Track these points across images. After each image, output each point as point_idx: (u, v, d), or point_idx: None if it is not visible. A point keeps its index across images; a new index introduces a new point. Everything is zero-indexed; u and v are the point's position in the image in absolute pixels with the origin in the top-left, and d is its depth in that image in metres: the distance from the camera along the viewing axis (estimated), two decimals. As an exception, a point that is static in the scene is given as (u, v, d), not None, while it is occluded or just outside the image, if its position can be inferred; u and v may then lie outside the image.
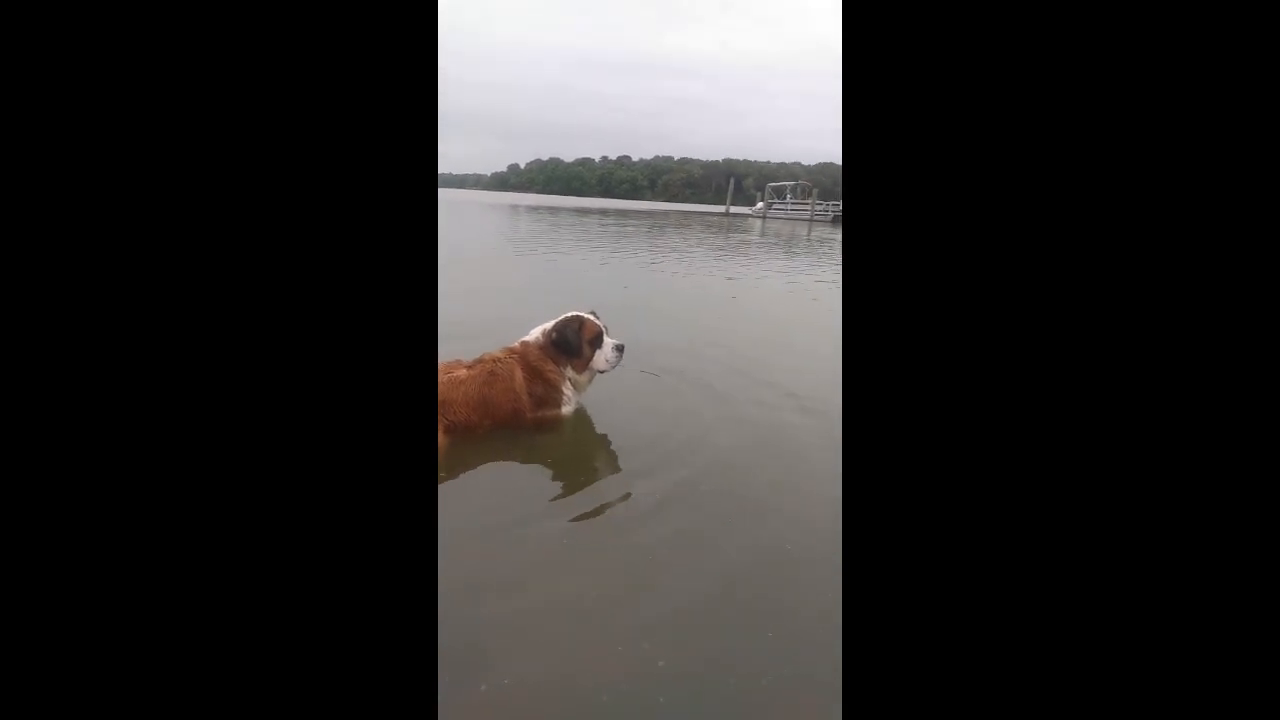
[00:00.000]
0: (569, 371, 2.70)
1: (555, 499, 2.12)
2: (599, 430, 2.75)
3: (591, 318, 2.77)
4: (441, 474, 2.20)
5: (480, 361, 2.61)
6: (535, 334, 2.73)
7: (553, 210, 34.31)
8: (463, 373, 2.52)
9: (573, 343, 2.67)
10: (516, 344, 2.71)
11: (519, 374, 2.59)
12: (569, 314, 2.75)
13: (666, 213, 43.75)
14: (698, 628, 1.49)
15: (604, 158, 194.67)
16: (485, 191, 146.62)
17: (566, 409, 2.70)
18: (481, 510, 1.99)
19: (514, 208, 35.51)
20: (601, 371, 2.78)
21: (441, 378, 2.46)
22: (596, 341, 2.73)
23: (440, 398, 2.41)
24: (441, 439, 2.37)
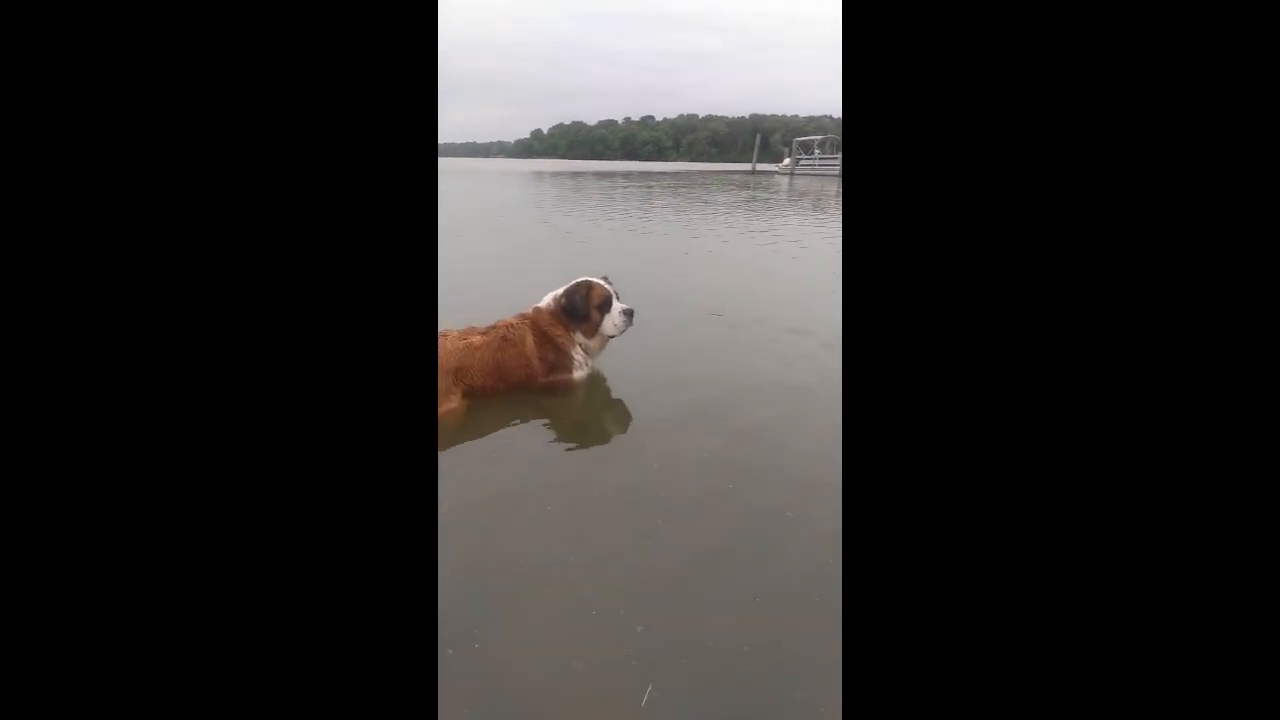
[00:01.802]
0: (579, 337, 2.76)
1: (548, 463, 2.20)
2: (614, 394, 2.82)
3: (601, 282, 2.80)
4: (459, 437, 2.31)
5: (494, 328, 2.68)
6: (547, 300, 2.79)
7: (575, 175, 33.96)
8: (477, 339, 2.61)
9: (580, 308, 2.72)
10: (529, 310, 2.78)
11: (530, 339, 2.67)
12: (578, 279, 2.80)
13: (690, 173, 42.79)
14: (681, 594, 1.52)
15: (627, 119, 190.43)
16: (509, 159, 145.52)
17: (578, 374, 2.77)
18: (480, 476, 2.07)
19: (538, 174, 35.27)
20: (611, 336, 2.83)
21: (458, 344, 2.55)
22: (605, 306, 2.77)
23: (456, 364, 2.50)
24: (460, 403, 2.48)
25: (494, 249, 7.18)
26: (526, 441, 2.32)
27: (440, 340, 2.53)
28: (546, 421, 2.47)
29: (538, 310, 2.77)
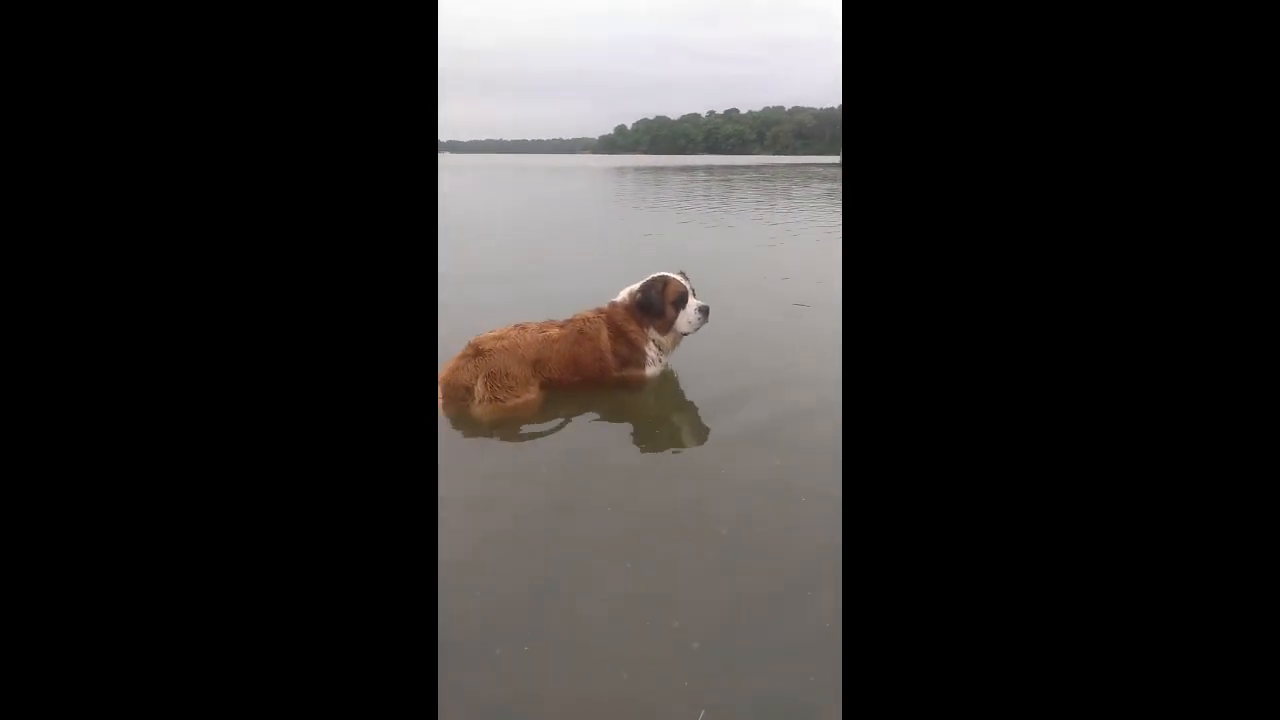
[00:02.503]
0: (652, 333, 2.78)
1: (611, 470, 2.22)
2: (687, 394, 2.82)
3: (677, 278, 2.80)
4: (529, 432, 2.39)
5: (571, 321, 2.76)
6: (623, 295, 2.83)
7: (655, 170, 34.07)
8: (555, 332, 2.69)
9: (656, 304, 2.73)
10: (606, 305, 2.83)
11: (605, 334, 2.71)
12: (655, 275, 2.81)
13: (774, 166, 41.74)
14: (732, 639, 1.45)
15: (710, 112, 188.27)
16: (592, 155, 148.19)
17: (650, 370, 2.79)
18: (545, 480, 2.13)
19: (620, 169, 35.70)
20: (685, 334, 2.82)
21: (537, 336, 2.64)
22: (680, 302, 2.77)
23: (536, 355, 2.60)
24: (537, 394, 2.56)
25: (570, 240, 7.36)
26: (596, 441, 2.36)
27: (521, 332, 2.63)
28: (619, 420, 2.51)
29: (613, 305, 2.81)
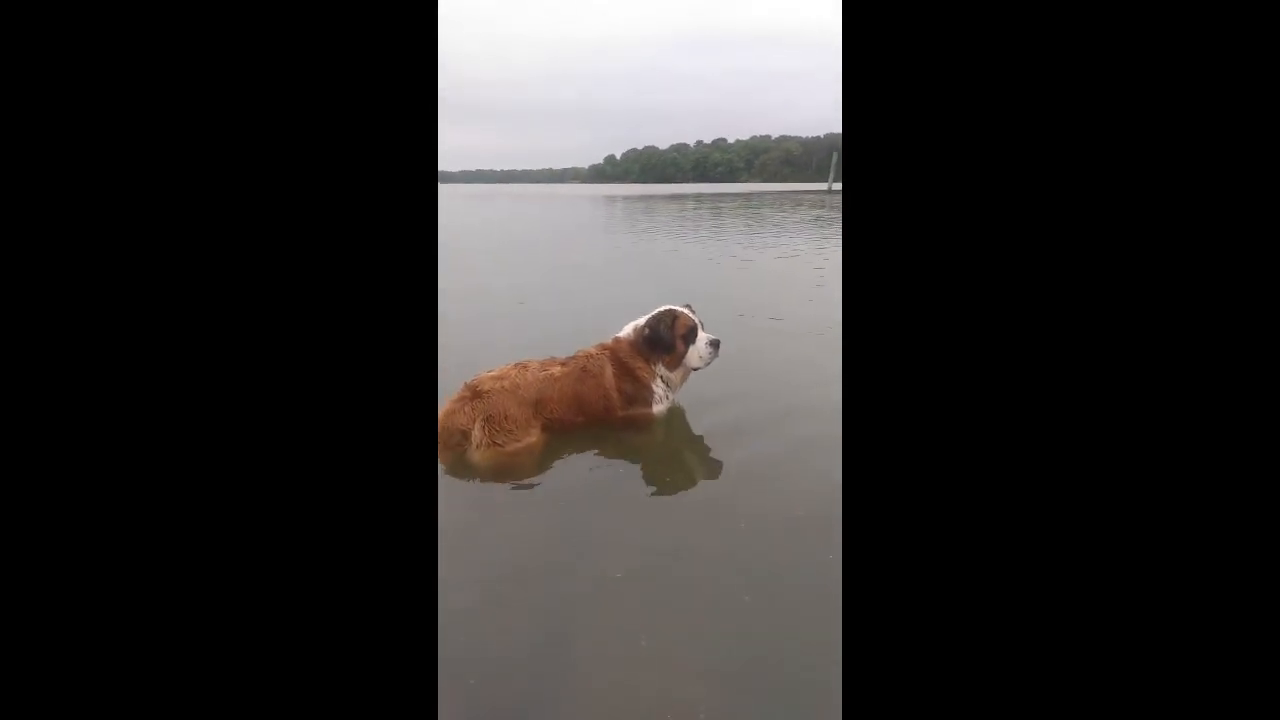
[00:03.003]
0: (660, 369, 2.64)
1: (620, 520, 2.06)
2: (695, 430, 2.66)
3: (686, 311, 2.68)
4: (526, 469, 2.22)
5: (574, 358, 2.61)
6: (628, 330, 2.69)
7: (645, 199, 34.43)
8: (557, 369, 2.54)
9: (665, 338, 2.59)
10: (610, 340, 2.69)
11: (609, 371, 2.57)
12: (662, 308, 2.68)
13: (761, 194, 42.36)
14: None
15: (699, 141, 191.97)
16: (582, 184, 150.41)
17: (658, 408, 2.64)
18: (546, 528, 1.97)
19: (610, 199, 36.06)
20: (695, 369, 2.68)
21: (538, 374, 2.49)
22: (690, 336, 2.64)
23: (537, 395, 2.44)
24: (539, 438, 2.40)
25: (569, 269, 7.27)
26: (601, 491, 2.19)
27: (521, 371, 2.48)
28: (626, 464, 2.34)
29: (618, 340, 2.67)
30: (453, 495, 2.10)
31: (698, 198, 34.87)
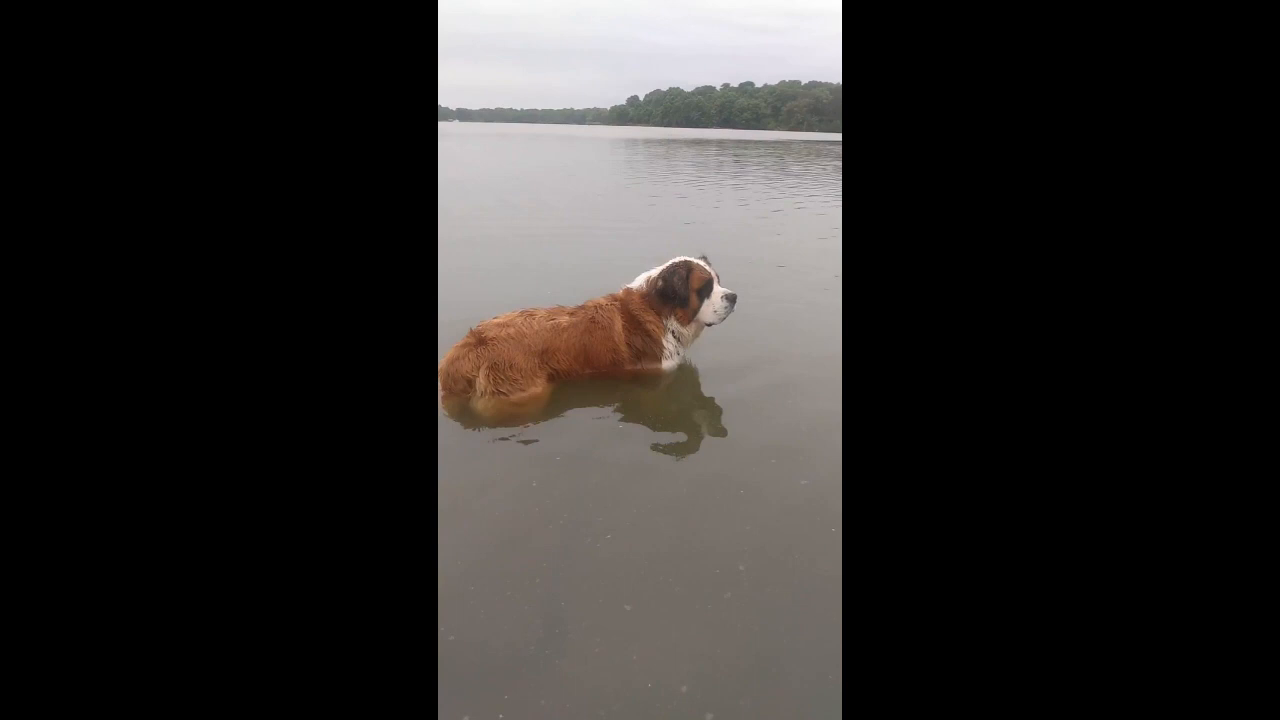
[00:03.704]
0: (672, 323, 2.54)
1: (615, 491, 2.02)
2: (705, 392, 2.59)
3: (701, 264, 2.56)
4: (530, 421, 2.18)
5: (583, 308, 2.52)
6: (640, 281, 2.59)
7: (666, 142, 33.23)
8: (565, 319, 2.45)
9: (679, 291, 2.49)
10: (620, 291, 2.59)
11: (619, 323, 2.48)
12: (677, 259, 2.56)
13: (789, 142, 40.69)
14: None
15: (725, 85, 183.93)
16: (603, 126, 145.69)
17: (668, 363, 2.56)
18: (539, 490, 1.93)
19: (630, 141, 34.88)
20: (709, 324, 2.58)
21: (545, 324, 2.41)
22: (705, 290, 2.53)
23: (543, 345, 2.37)
24: (544, 389, 2.34)
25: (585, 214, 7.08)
26: (607, 450, 2.13)
27: (528, 319, 2.40)
28: (631, 420, 2.29)
29: (628, 291, 2.57)
30: (451, 444, 2.07)
31: (720, 143, 33.63)
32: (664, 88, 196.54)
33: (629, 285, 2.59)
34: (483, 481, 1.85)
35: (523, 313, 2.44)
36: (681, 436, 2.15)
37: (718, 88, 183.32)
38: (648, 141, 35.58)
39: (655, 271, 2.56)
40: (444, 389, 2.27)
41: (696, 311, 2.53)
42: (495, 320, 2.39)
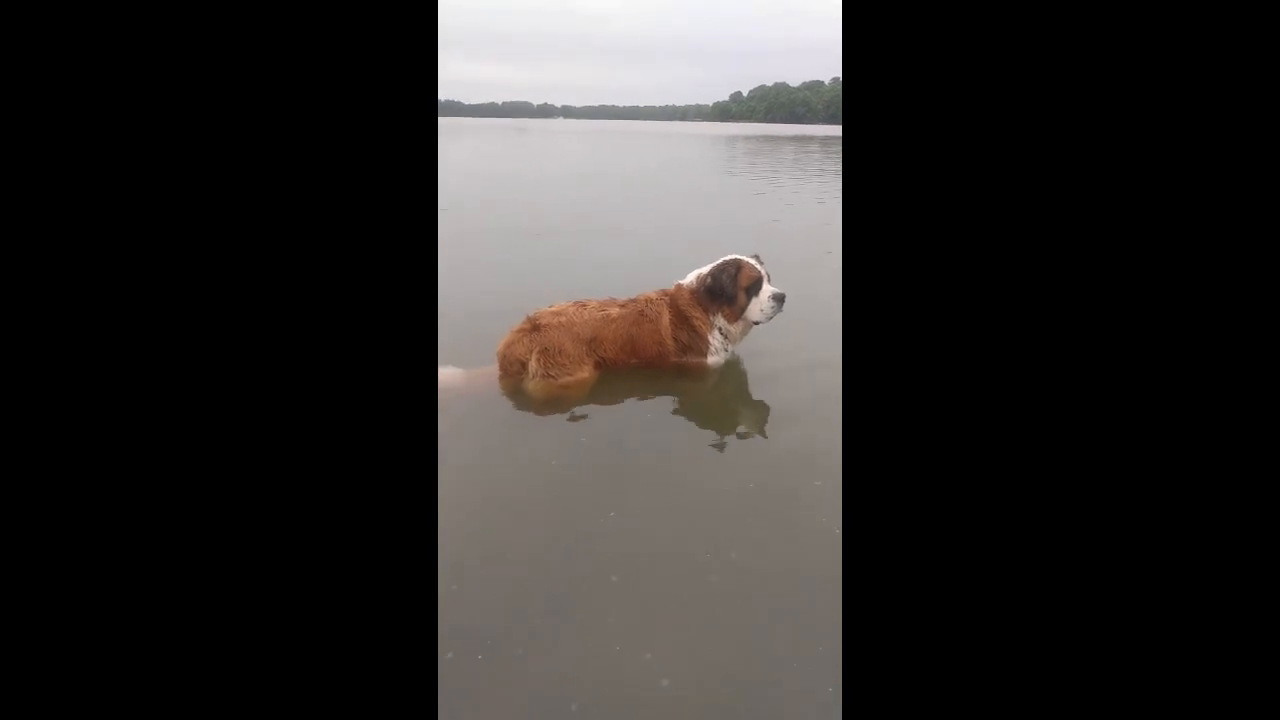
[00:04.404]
0: (719, 320, 2.59)
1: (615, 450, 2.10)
2: (749, 392, 2.62)
3: (752, 262, 2.59)
4: (574, 403, 2.32)
5: (634, 301, 2.64)
6: (690, 278, 2.66)
7: (769, 139, 32.45)
8: (615, 311, 2.58)
9: (727, 289, 2.53)
10: (671, 286, 2.68)
11: (666, 317, 2.57)
12: (728, 257, 2.61)
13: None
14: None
15: (835, 79, 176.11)
16: (703, 123, 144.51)
17: (713, 359, 2.62)
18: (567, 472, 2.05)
19: (730, 139, 34.45)
20: (757, 323, 2.61)
21: (595, 314, 2.55)
22: (754, 289, 2.56)
23: (592, 334, 2.51)
24: (590, 374, 2.49)
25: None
26: (639, 437, 2.23)
27: (580, 309, 2.56)
28: (669, 412, 2.37)
29: (679, 287, 2.65)
30: (497, 419, 2.27)
31: (824, 140, 32.37)
32: (769, 83, 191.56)
33: (680, 281, 2.68)
34: (506, 457, 2.01)
35: (576, 303, 2.60)
36: (713, 435, 2.20)
37: (826, 82, 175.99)
38: (748, 138, 34.96)
39: (706, 269, 2.62)
40: (501, 370, 2.48)
41: (744, 309, 2.57)
42: (550, 309, 2.56)
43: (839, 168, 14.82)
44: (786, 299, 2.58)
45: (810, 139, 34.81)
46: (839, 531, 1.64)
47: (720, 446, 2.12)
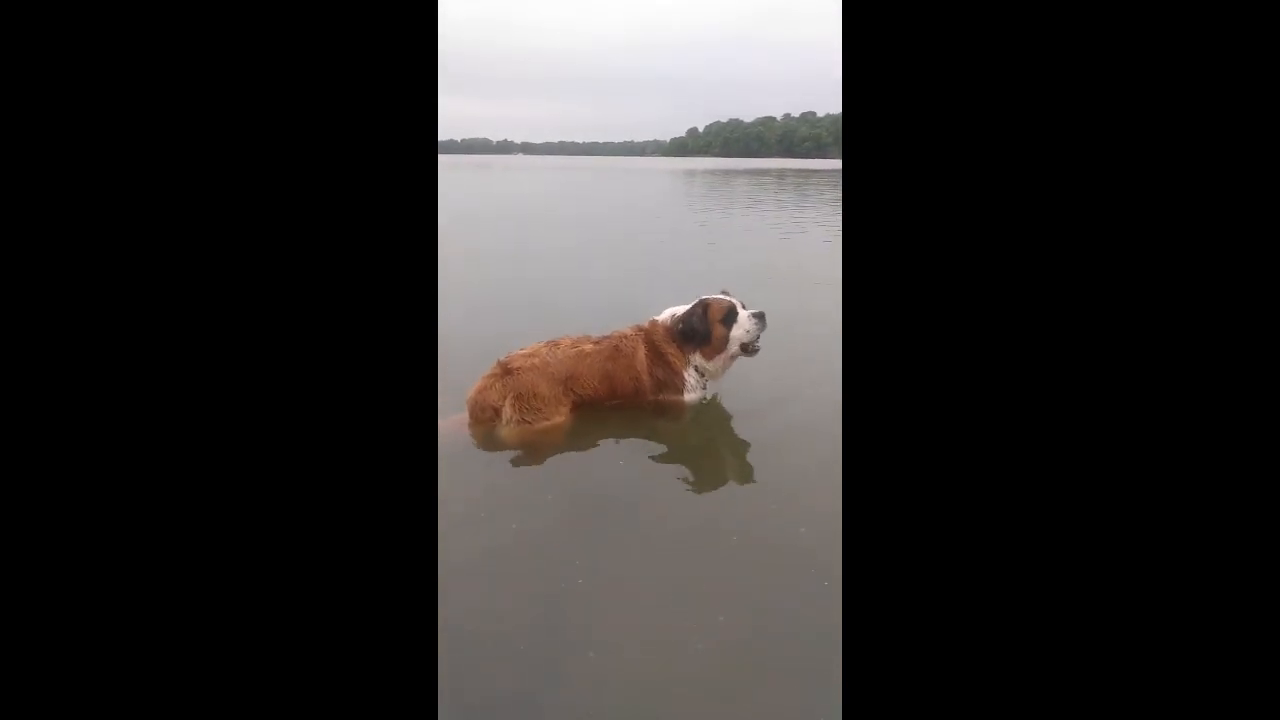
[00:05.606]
0: (695, 358, 2.56)
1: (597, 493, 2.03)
2: (730, 427, 2.58)
3: (719, 297, 2.58)
4: (551, 447, 2.24)
5: (607, 338, 2.59)
6: (665, 315, 2.63)
7: (725, 173, 33.46)
8: (589, 347, 2.53)
9: (700, 330, 2.51)
10: (647, 322, 2.64)
11: (641, 353, 2.53)
12: (696, 301, 2.59)
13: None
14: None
15: (786, 115, 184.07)
16: (662, 158, 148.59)
17: (689, 396, 2.58)
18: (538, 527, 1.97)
19: (689, 173, 35.40)
20: (745, 344, 2.55)
21: (569, 351, 2.49)
22: (729, 318, 2.53)
23: (567, 371, 2.44)
24: (566, 418, 2.41)
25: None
26: (615, 481, 2.16)
27: (553, 348, 2.49)
28: (647, 455, 2.31)
29: (654, 324, 2.62)
30: (473, 469, 2.16)
31: (779, 173, 33.55)
32: (724, 119, 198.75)
33: (654, 318, 2.64)
34: (490, 501, 1.92)
35: (548, 343, 2.53)
36: (686, 472, 2.14)
37: (778, 118, 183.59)
38: (706, 172, 35.98)
39: (680, 310, 2.60)
40: (472, 418, 2.38)
41: (726, 340, 2.53)
42: (521, 351, 2.49)
43: (796, 198, 15.32)
44: (766, 315, 2.55)
45: (765, 171, 36.07)
46: (828, 584, 1.59)
47: (698, 489, 2.06)
